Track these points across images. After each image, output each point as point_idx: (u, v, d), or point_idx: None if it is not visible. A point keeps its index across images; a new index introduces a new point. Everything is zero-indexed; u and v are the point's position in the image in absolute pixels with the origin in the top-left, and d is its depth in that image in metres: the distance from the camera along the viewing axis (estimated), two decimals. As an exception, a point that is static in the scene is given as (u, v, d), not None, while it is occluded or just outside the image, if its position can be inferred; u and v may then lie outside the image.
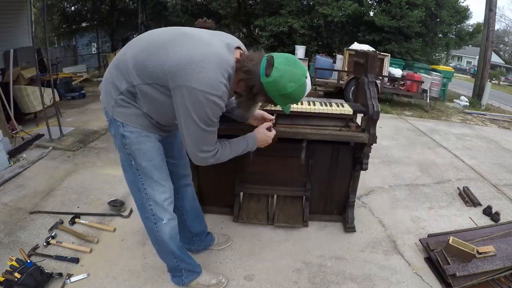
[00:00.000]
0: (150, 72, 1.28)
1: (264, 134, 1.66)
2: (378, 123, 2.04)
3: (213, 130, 1.36)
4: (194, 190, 1.96)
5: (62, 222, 2.35)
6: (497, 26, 17.74)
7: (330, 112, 2.04)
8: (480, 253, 1.97)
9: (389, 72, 7.73)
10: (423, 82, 7.41)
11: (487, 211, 2.85)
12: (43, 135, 4.04)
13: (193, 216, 1.96)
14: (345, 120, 2.09)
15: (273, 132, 1.70)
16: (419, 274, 2.06)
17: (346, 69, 7.61)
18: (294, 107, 2.01)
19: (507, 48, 34.80)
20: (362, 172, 2.29)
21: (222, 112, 1.34)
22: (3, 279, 1.72)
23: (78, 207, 2.60)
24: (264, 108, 2.00)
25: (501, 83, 25.40)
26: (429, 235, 2.39)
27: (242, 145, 1.59)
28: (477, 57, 11.32)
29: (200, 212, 2.01)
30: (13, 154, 3.48)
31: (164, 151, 1.57)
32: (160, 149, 1.53)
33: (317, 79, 7.61)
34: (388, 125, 5.83)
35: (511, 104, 12.08)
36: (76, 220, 2.39)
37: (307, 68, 9.55)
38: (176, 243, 1.67)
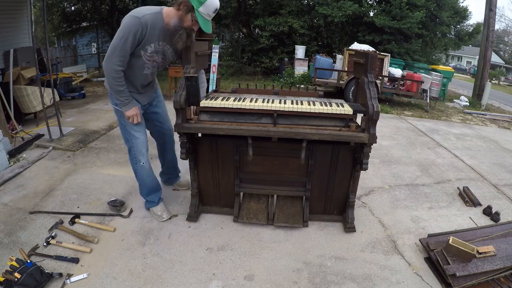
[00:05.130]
0: None
1: (135, 109, 2.18)
2: (378, 123, 2.04)
3: (126, 44, 1.93)
4: (174, 145, 2.63)
5: (62, 222, 2.35)
6: (497, 26, 17.76)
7: (330, 112, 2.04)
8: (480, 253, 1.97)
9: (389, 72, 7.72)
10: (423, 82, 7.40)
11: (487, 211, 2.85)
12: (43, 135, 4.04)
13: (170, 164, 2.80)
14: (345, 120, 2.09)
15: (137, 113, 2.20)
16: (419, 274, 2.06)
17: (346, 69, 7.60)
18: (294, 107, 2.02)
19: (507, 48, 34.80)
20: (362, 172, 2.29)
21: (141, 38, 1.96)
22: (3, 279, 1.72)
23: (78, 207, 2.60)
24: (261, 108, 2.01)
25: (501, 83, 25.40)
26: (429, 235, 2.39)
27: (125, 96, 2.11)
28: (477, 57, 11.31)
29: (175, 164, 2.83)
30: (13, 154, 3.48)
31: (153, 117, 2.48)
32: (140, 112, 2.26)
33: (317, 79, 7.61)
34: (388, 125, 5.83)
35: (511, 104, 12.08)
36: (76, 220, 2.39)
37: (307, 68, 9.55)
38: (150, 180, 2.42)
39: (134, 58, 2.05)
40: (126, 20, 1.90)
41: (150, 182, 2.42)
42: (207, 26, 2.00)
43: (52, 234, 2.21)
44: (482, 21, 10.22)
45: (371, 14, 10.40)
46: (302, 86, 7.55)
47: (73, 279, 1.85)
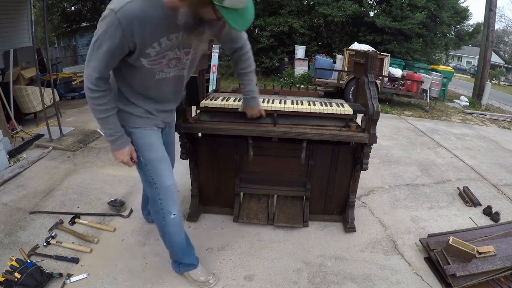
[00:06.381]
0: None
1: (126, 154, 1.53)
2: (378, 123, 2.04)
3: (99, 52, 1.28)
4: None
5: (62, 222, 2.35)
6: (497, 26, 17.76)
7: (330, 112, 2.04)
8: (480, 253, 1.97)
9: (389, 72, 7.73)
10: (423, 82, 7.40)
11: (487, 211, 2.85)
12: (43, 135, 4.04)
13: None
14: (345, 120, 2.09)
15: (127, 160, 1.55)
16: (419, 274, 2.06)
17: (346, 69, 7.60)
18: (295, 107, 2.02)
19: (507, 48, 34.79)
20: (362, 172, 2.29)
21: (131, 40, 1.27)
22: (3, 279, 1.72)
23: (78, 207, 2.60)
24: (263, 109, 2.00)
25: (501, 83, 25.37)
26: (429, 235, 2.39)
27: (110, 128, 1.47)
28: (477, 57, 11.32)
29: None
30: (13, 154, 3.48)
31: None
32: (161, 141, 1.67)
33: (317, 79, 7.61)
34: (388, 125, 5.83)
35: (511, 104, 12.08)
36: (76, 220, 2.39)
37: (307, 68, 9.56)
38: (181, 236, 1.77)
39: (132, 68, 1.42)
40: (102, 15, 1.24)
41: (182, 238, 1.78)
42: (241, 21, 1.18)
43: (52, 234, 2.21)
44: (482, 21, 10.23)
45: (371, 14, 10.41)
46: (302, 86, 7.54)
47: (73, 279, 1.84)
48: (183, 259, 1.85)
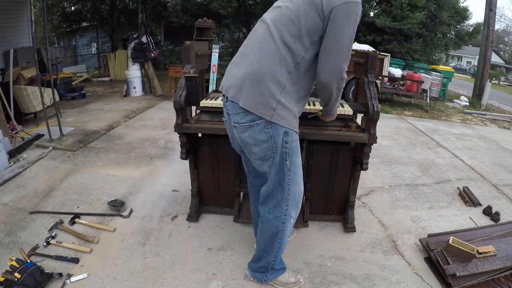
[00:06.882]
0: (307, 28, 1.41)
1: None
2: (378, 123, 2.04)
3: (351, 42, 1.48)
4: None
5: (62, 222, 2.35)
6: (497, 26, 17.76)
7: (330, 112, 2.03)
8: (480, 253, 1.97)
9: (389, 72, 7.73)
10: (423, 82, 7.41)
11: (487, 211, 2.85)
12: (43, 135, 4.05)
13: None
14: (345, 120, 2.09)
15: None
16: (419, 274, 2.06)
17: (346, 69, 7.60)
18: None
19: (507, 48, 34.80)
20: (362, 172, 2.29)
21: None
22: (3, 279, 1.72)
23: (78, 207, 2.60)
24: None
25: (501, 83, 25.39)
26: (429, 235, 2.39)
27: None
28: (477, 57, 11.32)
29: None
30: (13, 154, 3.48)
31: None
32: None
33: (317, 79, 7.60)
34: (388, 125, 5.83)
35: (511, 104, 12.08)
36: (76, 220, 2.39)
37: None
38: (286, 239, 1.76)
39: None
40: (351, 8, 1.38)
41: (286, 241, 1.78)
42: None
43: (52, 234, 2.21)
44: (482, 21, 10.23)
45: (371, 14, 10.42)
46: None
47: (73, 279, 1.84)
48: (276, 264, 1.81)
